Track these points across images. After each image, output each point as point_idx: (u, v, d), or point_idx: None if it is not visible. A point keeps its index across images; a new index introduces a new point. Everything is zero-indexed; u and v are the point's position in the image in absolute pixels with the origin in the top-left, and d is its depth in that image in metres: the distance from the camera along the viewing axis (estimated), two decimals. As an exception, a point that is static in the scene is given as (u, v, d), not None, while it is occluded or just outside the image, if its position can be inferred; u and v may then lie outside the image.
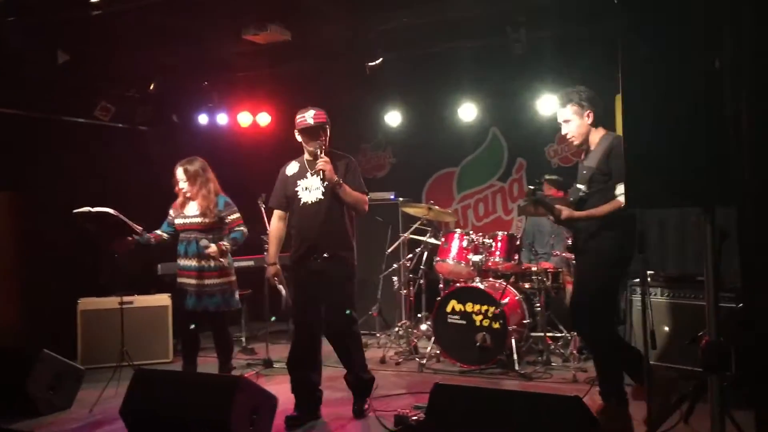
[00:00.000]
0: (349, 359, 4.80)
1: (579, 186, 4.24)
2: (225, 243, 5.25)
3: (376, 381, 4.99)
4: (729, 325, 3.99)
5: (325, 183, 4.56)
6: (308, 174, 4.70)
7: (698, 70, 2.43)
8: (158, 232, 5.41)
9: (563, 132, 4.29)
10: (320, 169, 4.48)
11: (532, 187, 4.18)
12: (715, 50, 2.36)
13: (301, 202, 4.68)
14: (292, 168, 4.84)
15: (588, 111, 4.20)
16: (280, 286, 4.83)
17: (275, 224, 4.86)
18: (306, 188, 4.69)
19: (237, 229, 5.37)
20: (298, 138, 4.76)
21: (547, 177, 6.90)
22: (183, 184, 5.30)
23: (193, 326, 5.30)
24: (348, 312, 4.67)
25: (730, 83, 2.32)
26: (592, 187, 4.16)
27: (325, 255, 4.57)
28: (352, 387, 4.84)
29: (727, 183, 2.43)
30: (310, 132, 4.65)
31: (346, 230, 4.68)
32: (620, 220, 4.06)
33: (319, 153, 4.54)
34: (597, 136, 4.23)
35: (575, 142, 4.27)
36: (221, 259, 5.23)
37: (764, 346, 2.68)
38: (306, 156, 4.80)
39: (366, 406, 4.78)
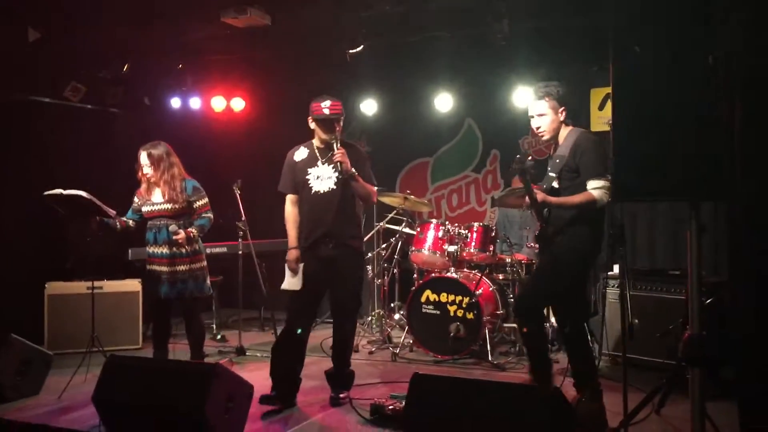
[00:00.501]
0: (341, 350, 4.82)
1: (551, 174, 4.24)
2: (193, 230, 5.19)
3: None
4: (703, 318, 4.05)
5: (339, 174, 4.58)
6: (319, 162, 4.72)
7: (690, 65, 2.44)
8: (123, 218, 5.30)
9: (534, 125, 4.28)
10: (338, 161, 4.51)
11: (519, 156, 4.16)
12: (708, 46, 2.37)
13: (313, 191, 4.69)
14: (300, 154, 4.83)
15: (562, 108, 4.22)
16: (299, 272, 4.73)
17: (290, 209, 4.88)
18: (318, 177, 4.70)
19: (204, 215, 5.29)
20: (311, 125, 4.75)
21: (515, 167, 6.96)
22: (147, 169, 5.19)
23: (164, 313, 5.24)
24: (356, 301, 4.79)
25: (723, 79, 2.33)
26: (562, 183, 4.20)
27: (336, 243, 4.62)
28: (333, 378, 4.83)
29: (716, 179, 2.44)
30: (325, 122, 4.64)
31: (356, 220, 4.78)
32: (593, 214, 4.11)
33: (336, 145, 4.56)
34: (565, 131, 4.26)
35: (545, 137, 4.29)
36: (187, 246, 5.16)
37: (748, 339, 2.71)
38: (316, 143, 4.79)
39: (343, 395, 4.77)
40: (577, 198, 4.06)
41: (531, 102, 4.29)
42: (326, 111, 4.62)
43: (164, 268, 5.15)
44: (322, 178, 4.69)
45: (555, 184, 4.19)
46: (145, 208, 5.24)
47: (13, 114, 6.89)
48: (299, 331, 4.67)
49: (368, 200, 4.79)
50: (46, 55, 6.58)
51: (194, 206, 5.25)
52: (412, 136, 8.25)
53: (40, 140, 7.04)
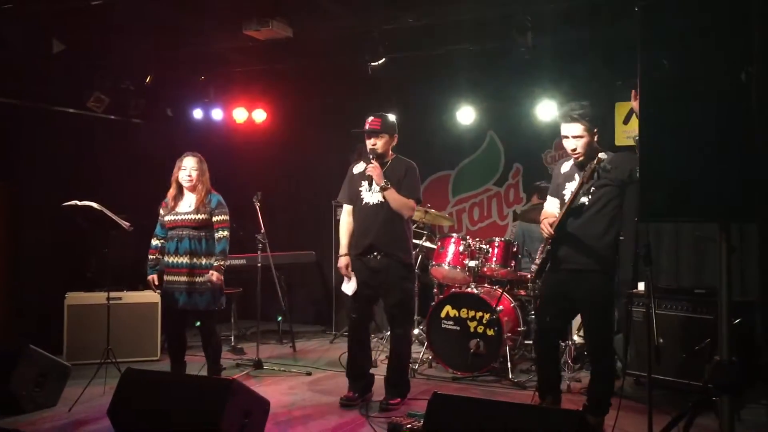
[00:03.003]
0: (393, 358, 5.08)
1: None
2: (220, 262, 5.15)
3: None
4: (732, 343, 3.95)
5: (375, 186, 4.88)
6: None
7: (722, 82, 2.36)
8: (156, 244, 5.25)
9: (570, 147, 4.23)
10: (369, 174, 4.85)
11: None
12: (742, 62, 2.29)
13: (363, 202, 5.00)
14: (359, 167, 5.15)
15: (596, 129, 4.21)
16: (352, 277, 5.01)
17: (345, 218, 5.14)
18: (369, 189, 4.99)
19: (222, 235, 5.21)
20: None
21: (540, 185, 6.90)
22: (192, 173, 5.15)
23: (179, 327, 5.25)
24: (405, 309, 5.05)
25: (757, 96, 2.25)
26: (591, 198, 4.17)
27: (383, 254, 4.88)
28: (387, 384, 5.04)
29: (747, 199, 2.36)
30: (366, 135, 5.02)
31: (403, 232, 4.99)
32: (617, 236, 4.10)
33: (371, 157, 4.94)
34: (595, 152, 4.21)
35: (580, 159, 4.24)
36: (205, 259, 5.16)
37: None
38: (371, 157, 5.06)
39: (394, 402, 4.90)
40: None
41: (565, 123, 4.22)
42: (366, 126, 5.00)
43: (183, 278, 5.11)
44: (373, 191, 4.96)
45: (584, 199, 4.13)
46: (168, 218, 5.18)
47: (37, 124, 6.95)
48: (360, 331, 5.11)
49: (402, 211, 4.93)
50: (70, 66, 6.62)
51: (213, 219, 5.21)
52: (434, 148, 8.18)
53: (64, 150, 7.08)
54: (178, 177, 5.18)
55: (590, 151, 4.18)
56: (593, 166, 3.96)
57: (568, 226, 4.20)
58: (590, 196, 4.14)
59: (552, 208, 4.43)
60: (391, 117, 5.11)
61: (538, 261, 4.41)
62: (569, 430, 3.09)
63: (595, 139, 4.23)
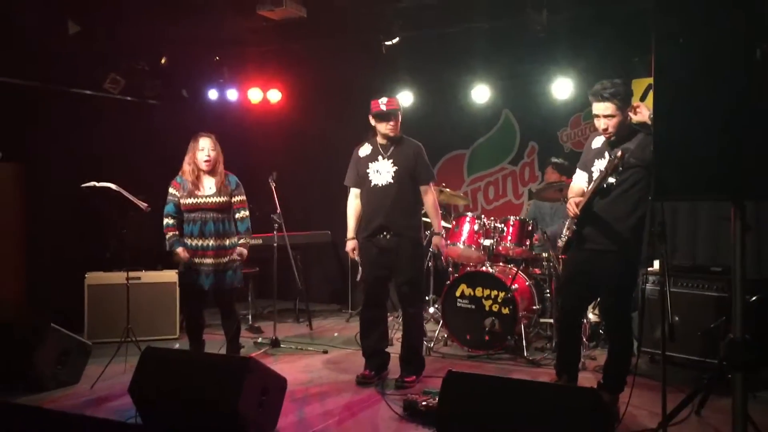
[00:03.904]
0: (407, 336, 5.11)
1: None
2: (247, 239, 5.26)
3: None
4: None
5: (396, 168, 4.95)
6: (380, 157, 5.04)
7: (737, 59, 2.34)
8: (172, 222, 5.16)
9: (601, 126, 4.16)
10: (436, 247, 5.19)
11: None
12: (756, 39, 2.27)
13: (371, 184, 5.03)
14: (364, 150, 5.15)
15: (627, 108, 4.14)
16: (357, 260, 5.14)
17: (352, 201, 5.21)
18: (377, 171, 5.03)
19: (245, 214, 5.27)
20: (372, 122, 5.05)
21: (553, 160, 6.87)
22: (211, 153, 5.13)
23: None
24: (416, 287, 5.08)
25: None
26: (619, 178, 4.11)
27: (393, 234, 4.94)
28: (402, 362, 5.09)
29: (761, 176, 2.35)
30: (382, 117, 4.96)
31: (413, 212, 5.05)
32: (642, 218, 4.07)
33: (384, 140, 5.02)
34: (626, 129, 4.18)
35: (613, 138, 4.20)
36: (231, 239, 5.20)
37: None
38: (379, 140, 5.09)
39: (409, 380, 4.96)
40: None
41: (596, 102, 4.17)
42: (383, 107, 4.92)
43: (210, 260, 5.10)
44: (381, 172, 5.00)
45: (612, 180, 4.09)
46: (188, 200, 5.11)
47: (54, 106, 7.01)
48: (374, 311, 5.14)
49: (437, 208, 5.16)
50: (85, 48, 6.65)
51: (233, 200, 5.24)
52: (449, 127, 8.16)
53: (81, 132, 7.15)
54: (196, 159, 5.13)
55: (621, 130, 4.14)
56: (616, 161, 3.92)
57: (594, 206, 4.18)
58: (618, 177, 4.10)
59: (580, 181, 4.39)
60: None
61: (564, 238, 4.40)
62: (584, 407, 3.11)
63: (628, 117, 4.16)
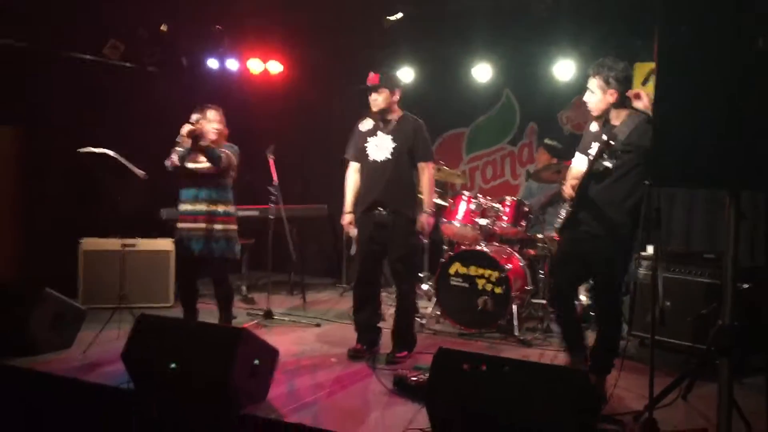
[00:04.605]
0: (400, 312, 5.13)
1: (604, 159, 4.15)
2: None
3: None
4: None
5: (395, 144, 4.92)
6: (379, 132, 5.03)
7: (739, 49, 2.34)
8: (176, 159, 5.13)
9: (585, 98, 4.20)
10: None
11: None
12: (758, 28, 2.27)
13: (370, 159, 5.03)
14: (365, 124, 5.14)
15: (612, 90, 4.09)
16: (353, 234, 5.15)
17: (351, 175, 5.20)
18: (376, 146, 5.02)
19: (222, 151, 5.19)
20: None
21: (546, 141, 6.86)
22: (217, 125, 5.20)
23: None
24: (409, 264, 5.07)
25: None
26: (616, 162, 4.10)
27: (389, 210, 4.93)
28: (394, 338, 5.12)
29: (757, 167, 2.36)
30: (367, 91, 5.00)
31: (410, 189, 5.05)
32: (638, 203, 4.06)
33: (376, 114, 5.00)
34: (622, 114, 4.15)
35: (594, 114, 4.22)
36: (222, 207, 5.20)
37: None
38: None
39: (400, 355, 4.99)
40: None
41: (590, 78, 4.18)
42: (367, 82, 4.98)
43: (201, 225, 5.16)
44: (380, 147, 4.99)
45: (608, 164, 4.09)
46: (190, 165, 5.15)
47: (52, 70, 6.95)
48: (366, 285, 5.14)
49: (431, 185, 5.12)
50: (85, 12, 6.59)
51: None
52: (449, 105, 8.14)
53: (79, 97, 7.10)
54: (200, 130, 5.09)
55: (605, 112, 4.14)
56: (602, 146, 3.93)
57: (590, 190, 4.17)
58: (615, 161, 4.09)
59: (579, 164, 4.38)
60: (394, 72, 5.13)
61: (561, 219, 4.40)
62: (573, 388, 3.15)
63: (611, 100, 4.10)
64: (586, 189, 4.18)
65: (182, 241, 5.22)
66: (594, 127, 4.33)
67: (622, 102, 4.14)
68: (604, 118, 4.20)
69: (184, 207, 5.23)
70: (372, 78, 4.98)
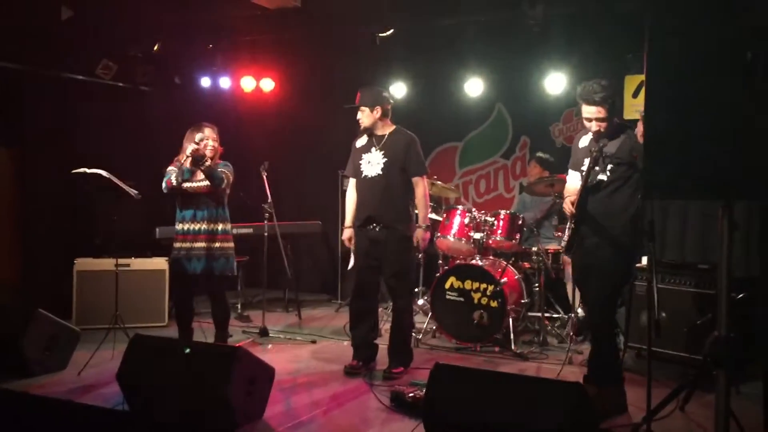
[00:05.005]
0: (395, 328, 5.14)
1: (596, 168, 4.19)
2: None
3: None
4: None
5: (386, 160, 4.96)
6: (372, 148, 5.08)
7: (728, 60, 2.36)
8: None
9: (594, 128, 4.20)
10: None
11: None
12: (746, 42, 2.29)
13: (363, 175, 5.09)
14: (361, 140, 5.20)
15: (617, 105, 4.22)
16: (353, 249, 5.17)
17: (351, 191, 5.25)
18: (369, 162, 5.07)
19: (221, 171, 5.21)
20: None
21: (538, 155, 6.90)
22: (213, 143, 5.22)
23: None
24: (404, 280, 5.09)
25: (761, 75, 2.25)
26: (611, 176, 4.17)
27: (381, 226, 4.97)
28: (389, 353, 5.11)
29: (750, 177, 2.37)
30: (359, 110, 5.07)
31: (403, 205, 5.04)
32: (635, 214, 4.10)
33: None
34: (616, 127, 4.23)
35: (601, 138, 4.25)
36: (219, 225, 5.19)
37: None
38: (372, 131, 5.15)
39: (396, 371, 4.98)
40: None
41: (587, 106, 4.18)
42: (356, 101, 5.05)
43: (202, 244, 5.17)
44: (372, 163, 5.04)
45: (603, 177, 4.13)
46: (187, 185, 5.16)
47: (46, 91, 6.96)
48: (363, 301, 5.14)
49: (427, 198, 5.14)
50: (78, 33, 6.61)
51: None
52: (441, 120, 8.16)
53: (73, 117, 7.11)
54: (201, 149, 5.09)
55: (611, 128, 4.20)
56: (594, 153, 3.97)
57: (589, 204, 4.22)
58: (609, 174, 4.14)
59: (574, 181, 4.42)
60: (375, 89, 5.12)
61: (566, 237, 4.41)
62: (569, 401, 3.14)
63: (615, 118, 4.22)
64: (585, 203, 4.21)
65: (180, 261, 5.20)
66: (583, 142, 4.37)
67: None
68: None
69: (183, 226, 5.22)
70: (357, 96, 5.06)
